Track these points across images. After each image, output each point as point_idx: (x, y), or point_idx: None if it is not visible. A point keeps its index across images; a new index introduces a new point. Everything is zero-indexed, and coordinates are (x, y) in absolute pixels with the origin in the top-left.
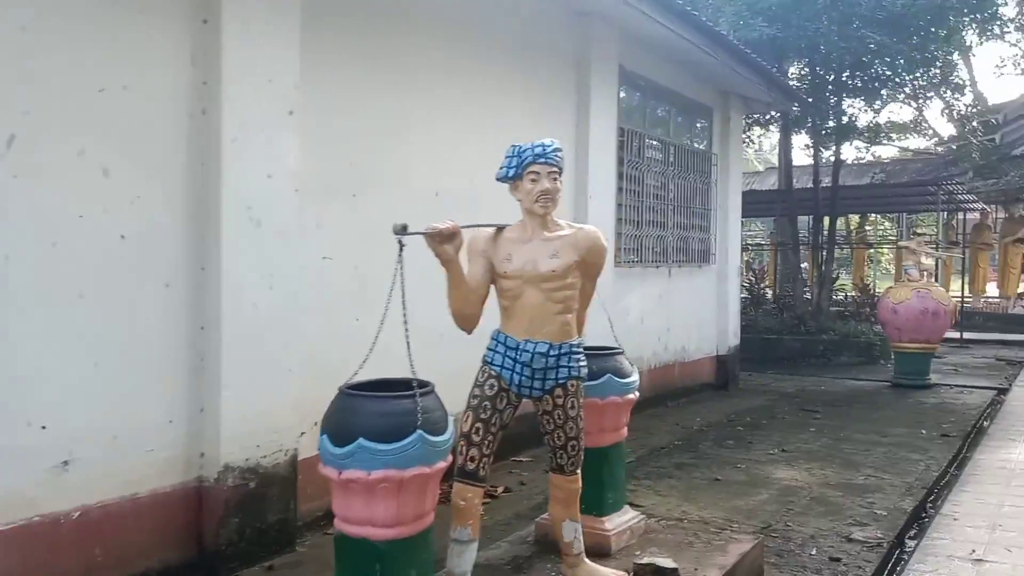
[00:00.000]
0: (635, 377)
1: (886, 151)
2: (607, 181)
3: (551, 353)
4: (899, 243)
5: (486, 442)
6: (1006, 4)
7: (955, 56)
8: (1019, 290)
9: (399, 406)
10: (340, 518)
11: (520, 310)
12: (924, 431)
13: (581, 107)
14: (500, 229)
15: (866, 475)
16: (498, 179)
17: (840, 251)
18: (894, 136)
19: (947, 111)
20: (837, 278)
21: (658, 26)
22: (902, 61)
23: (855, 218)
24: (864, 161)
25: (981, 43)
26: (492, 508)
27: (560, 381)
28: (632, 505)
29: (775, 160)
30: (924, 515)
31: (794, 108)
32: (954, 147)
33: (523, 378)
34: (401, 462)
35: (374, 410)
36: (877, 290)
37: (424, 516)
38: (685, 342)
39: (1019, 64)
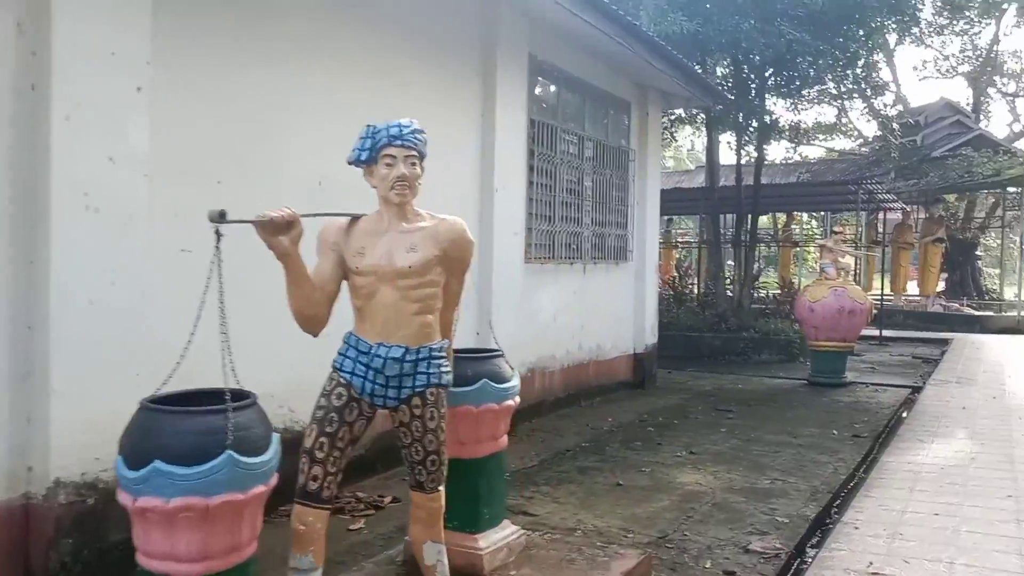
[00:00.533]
0: (515, 382)
1: (813, 151)
2: (516, 173)
3: (407, 358)
4: (816, 241)
5: (331, 459)
6: (923, 7)
7: (877, 57)
8: (938, 289)
9: (204, 423)
10: (141, 552)
11: (374, 310)
12: (836, 431)
13: (487, 95)
14: (355, 219)
15: (772, 479)
16: (349, 162)
17: (768, 249)
18: (820, 136)
19: (869, 112)
20: (759, 276)
21: (567, 13)
22: (824, 61)
23: (782, 216)
24: (791, 161)
25: (901, 43)
26: (376, 520)
27: (418, 389)
28: (525, 514)
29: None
30: (828, 521)
31: (716, 105)
32: (877, 148)
33: (376, 386)
34: (205, 488)
35: (174, 428)
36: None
37: (239, 549)
38: (601, 340)
39: (939, 67)
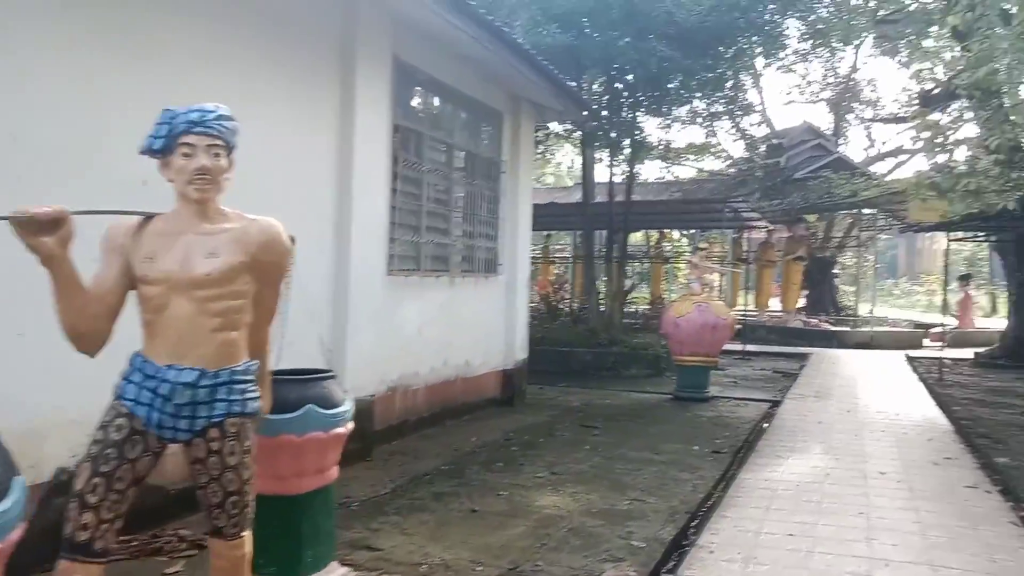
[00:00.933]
0: (346, 407)
1: (685, 171)
2: (377, 180)
3: (202, 383)
4: (681, 257)
5: (107, 504)
6: (787, 30)
7: (745, 80)
8: (799, 305)
9: None
10: None
11: (165, 326)
12: (697, 447)
13: (346, 96)
14: (148, 219)
15: (632, 499)
16: (141, 152)
17: (642, 265)
18: (692, 156)
19: (737, 132)
20: (631, 291)
21: (430, 13)
22: (693, 80)
23: (655, 234)
24: (664, 180)
25: (769, 64)
26: (198, 561)
27: (215, 419)
28: (369, 549)
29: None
30: (685, 543)
31: (589, 120)
32: (743, 169)
33: (164, 416)
34: None
35: None
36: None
37: None
38: (469, 356)
39: (803, 92)
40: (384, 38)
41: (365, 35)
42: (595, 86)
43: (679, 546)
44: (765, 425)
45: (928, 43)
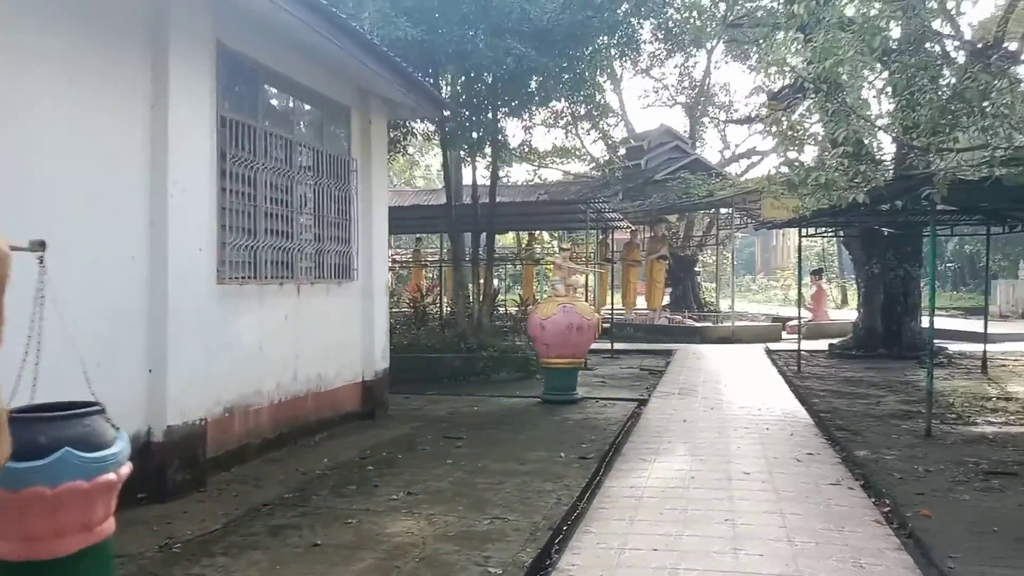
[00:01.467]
0: (118, 448)
1: (552, 174)
2: (198, 178)
3: None
4: (545, 258)
5: None
6: (641, 31)
7: (604, 82)
8: (664, 302)
9: None
10: None
11: None
12: (563, 454)
13: (158, 82)
14: None
15: (492, 517)
16: None
17: (514, 267)
18: (558, 160)
19: (598, 134)
20: (498, 294)
21: None
22: (551, 79)
23: (525, 235)
24: (532, 183)
25: (624, 65)
26: None
27: None
28: None
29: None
30: (548, 563)
31: (443, 117)
32: (607, 171)
33: None
34: None
35: None
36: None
37: None
38: (322, 369)
39: (660, 96)
40: (202, 19)
41: (180, 17)
42: (456, 86)
43: (540, 568)
44: (632, 425)
45: (778, 37)
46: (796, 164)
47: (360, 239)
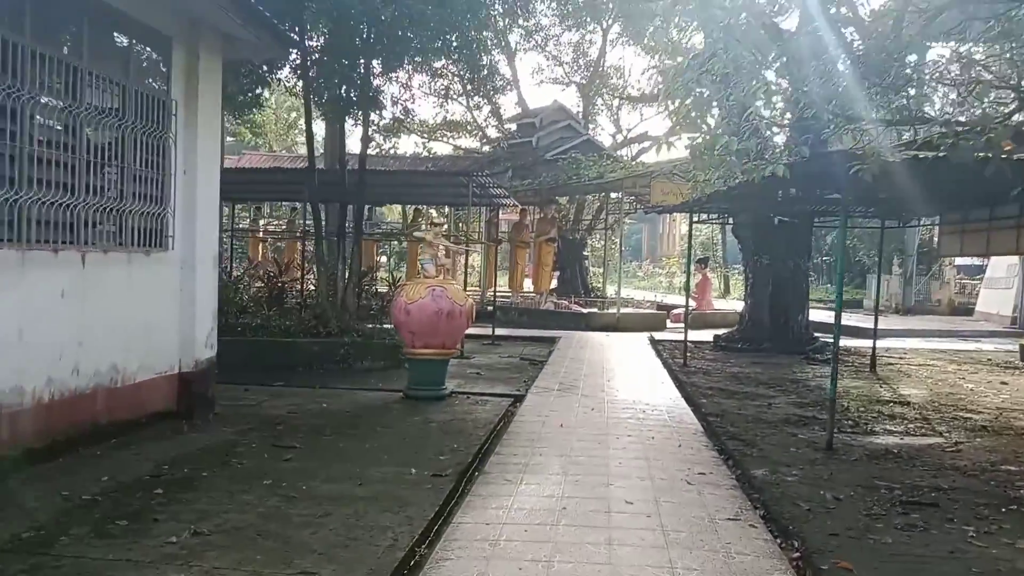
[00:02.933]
0: None
1: (443, 148)
2: None
3: None
4: (414, 232)
5: None
6: None
7: (489, 39)
8: (551, 286)
9: None
10: None
11: None
12: (416, 469)
13: None
14: None
15: (299, 572)
16: None
17: (400, 244)
18: (449, 134)
19: (489, 108)
20: (368, 273)
21: None
22: (427, 31)
23: (411, 211)
24: (421, 156)
25: (507, 26)
26: None
27: None
28: None
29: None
30: None
31: (309, 69)
32: (497, 146)
33: None
34: None
35: None
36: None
37: None
38: (118, 359)
39: (555, 74)
40: None
41: None
42: (326, 36)
43: None
44: (503, 428)
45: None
46: (702, 132)
47: (179, 199)
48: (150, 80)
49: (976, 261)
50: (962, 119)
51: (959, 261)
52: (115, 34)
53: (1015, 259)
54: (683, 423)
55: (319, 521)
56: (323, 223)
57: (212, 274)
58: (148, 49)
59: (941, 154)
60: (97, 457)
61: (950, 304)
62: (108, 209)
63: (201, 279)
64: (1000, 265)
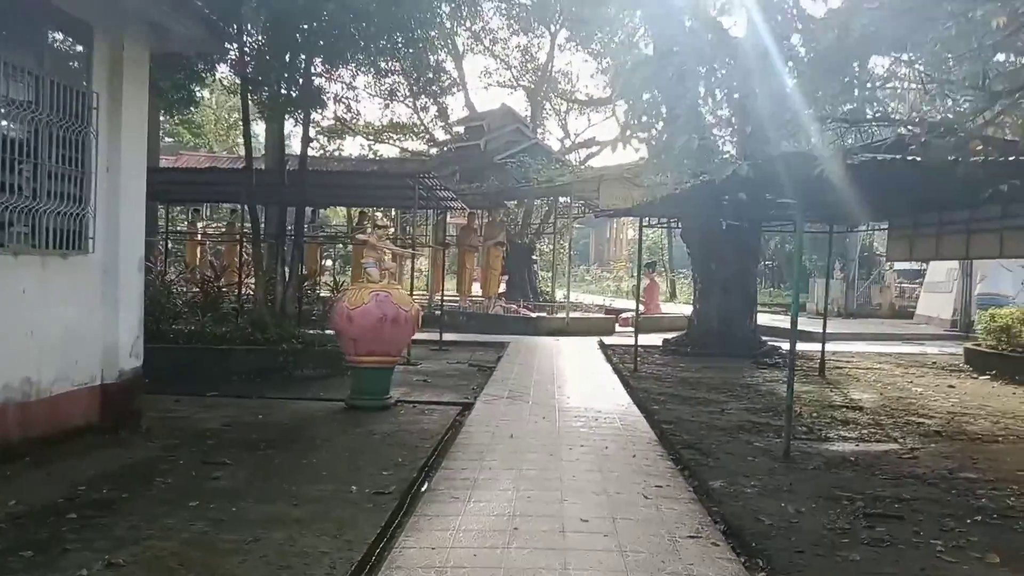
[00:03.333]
0: None
1: (390, 150)
2: None
3: None
4: (356, 235)
5: None
6: None
7: (435, 38)
8: (500, 290)
9: None
10: None
11: None
12: (356, 486)
13: None
14: None
15: None
16: None
17: (345, 248)
18: (395, 136)
19: (436, 110)
20: (310, 277)
21: None
22: (368, 25)
23: (356, 213)
24: (367, 158)
25: (455, 26)
26: None
27: None
28: None
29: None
30: None
31: (246, 65)
32: (445, 149)
33: None
34: None
35: None
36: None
37: None
38: (30, 370)
39: (503, 77)
40: None
41: None
42: (266, 34)
43: None
44: (451, 440)
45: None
46: (658, 132)
47: (102, 199)
48: (69, 70)
49: (915, 266)
50: (935, 119)
51: (899, 266)
52: (25, 16)
53: (954, 264)
54: (637, 431)
55: (247, 548)
56: (261, 225)
57: (137, 278)
58: (66, 37)
59: (910, 157)
60: (5, 479)
61: (891, 308)
62: (19, 209)
63: (125, 284)
64: (939, 270)
